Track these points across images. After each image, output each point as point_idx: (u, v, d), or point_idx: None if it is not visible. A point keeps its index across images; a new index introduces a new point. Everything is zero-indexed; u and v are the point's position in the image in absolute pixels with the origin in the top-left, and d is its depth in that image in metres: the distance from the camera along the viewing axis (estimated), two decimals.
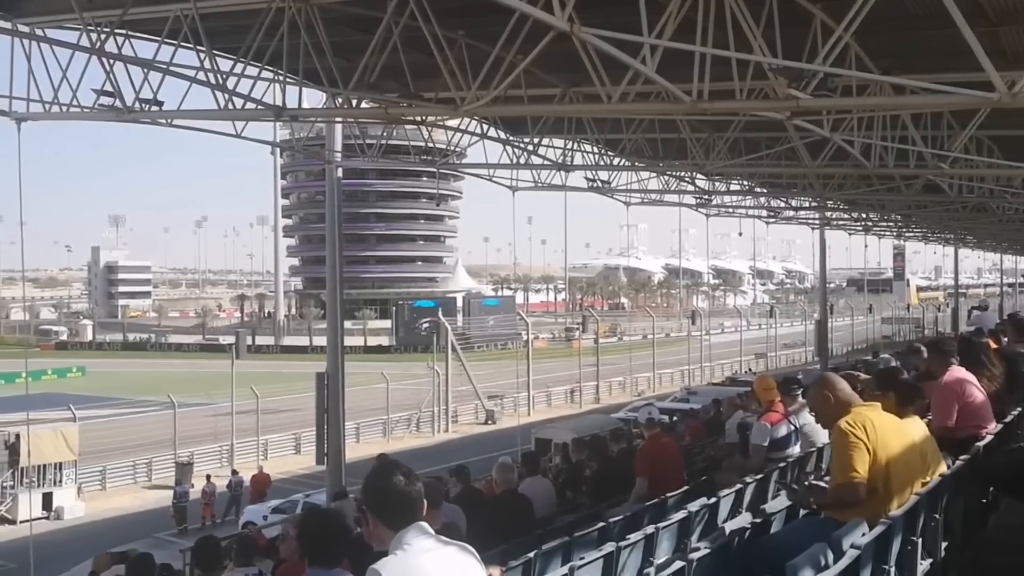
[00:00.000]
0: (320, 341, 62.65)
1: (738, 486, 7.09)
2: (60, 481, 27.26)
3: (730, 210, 30.84)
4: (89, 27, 10.95)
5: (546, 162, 20.09)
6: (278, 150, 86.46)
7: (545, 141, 19.72)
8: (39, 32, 11.99)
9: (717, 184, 25.52)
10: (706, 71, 8.27)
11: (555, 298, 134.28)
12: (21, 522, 24.86)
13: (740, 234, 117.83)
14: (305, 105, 15.56)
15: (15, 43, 11.93)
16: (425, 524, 3.04)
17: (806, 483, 5.26)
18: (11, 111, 12.69)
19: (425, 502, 3.09)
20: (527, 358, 44.65)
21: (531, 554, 6.02)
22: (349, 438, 28.26)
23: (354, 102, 13.24)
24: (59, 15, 11.67)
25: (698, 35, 7.88)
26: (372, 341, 79.01)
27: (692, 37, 7.86)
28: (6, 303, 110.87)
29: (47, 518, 25.94)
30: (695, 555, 4.55)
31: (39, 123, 13.29)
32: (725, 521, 6.30)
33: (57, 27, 12.15)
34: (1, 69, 12.33)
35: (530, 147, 19.57)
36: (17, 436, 26.70)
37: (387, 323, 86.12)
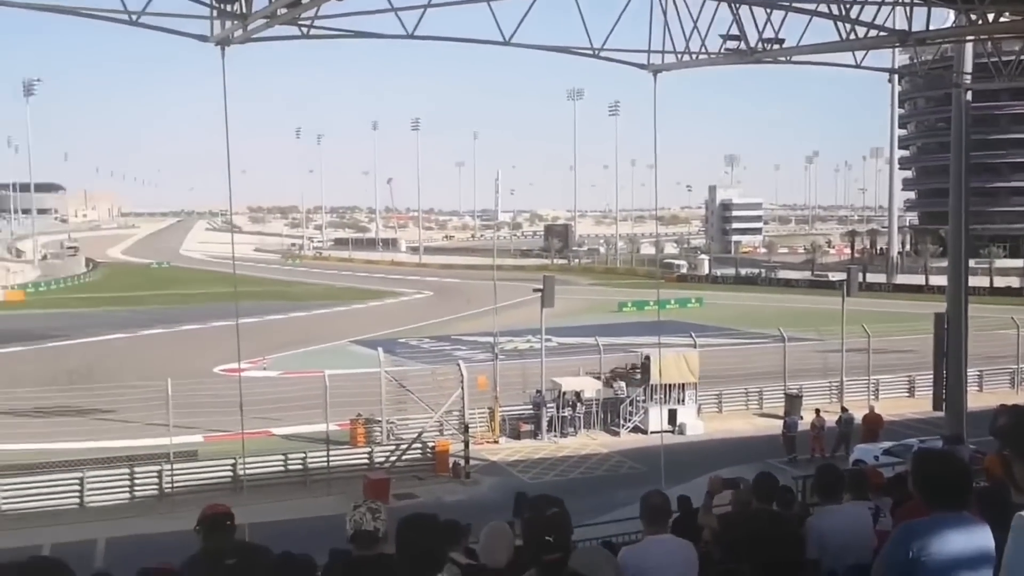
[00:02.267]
0: (937, 280, 58.50)
1: None
2: (683, 400, 30.15)
3: None
4: None
5: None
6: (896, 78, 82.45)
7: None
8: None
9: None
10: None
11: None
12: (651, 432, 28.18)
13: None
14: (932, 26, 14.49)
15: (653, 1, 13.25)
16: None
17: None
18: (649, 64, 14.16)
19: None
20: None
21: None
22: (971, 385, 26.21)
23: (991, 17, 11.92)
24: None
25: None
26: (999, 282, 72.20)
27: None
28: (637, 238, 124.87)
29: (672, 432, 28.91)
30: None
31: (672, 72, 14.59)
32: None
33: None
34: (640, 26, 13.78)
35: None
36: (647, 357, 30.23)
37: (1018, 263, 77.07)
